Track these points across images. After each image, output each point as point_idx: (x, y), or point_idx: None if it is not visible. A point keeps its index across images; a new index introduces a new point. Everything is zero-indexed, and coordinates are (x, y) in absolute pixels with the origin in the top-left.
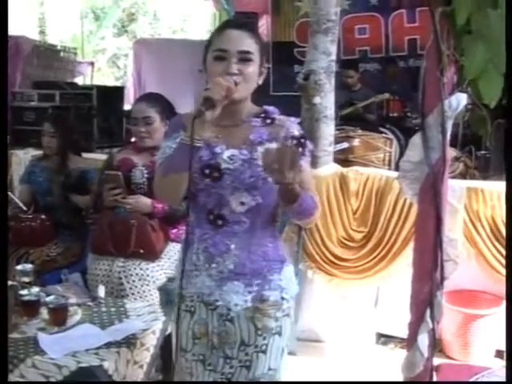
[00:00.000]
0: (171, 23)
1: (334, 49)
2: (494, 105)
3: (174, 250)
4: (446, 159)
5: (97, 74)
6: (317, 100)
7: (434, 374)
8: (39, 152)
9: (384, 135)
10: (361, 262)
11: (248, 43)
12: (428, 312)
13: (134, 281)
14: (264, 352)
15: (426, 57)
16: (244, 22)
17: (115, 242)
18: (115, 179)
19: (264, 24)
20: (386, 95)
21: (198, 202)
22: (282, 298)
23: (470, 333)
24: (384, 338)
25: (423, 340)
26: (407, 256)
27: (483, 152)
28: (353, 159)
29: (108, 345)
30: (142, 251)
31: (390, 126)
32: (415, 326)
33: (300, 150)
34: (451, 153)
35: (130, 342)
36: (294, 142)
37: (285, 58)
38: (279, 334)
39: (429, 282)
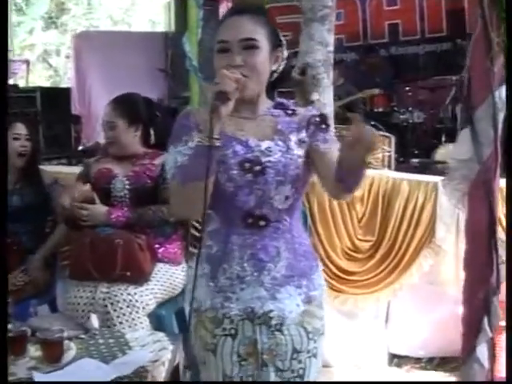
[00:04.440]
0: (111, 13)
1: (331, 39)
2: None
3: (162, 271)
4: (499, 154)
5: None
6: (315, 96)
7: None
8: None
9: (382, 133)
10: (369, 274)
11: (250, 29)
12: (485, 320)
13: (121, 308)
14: (315, 356)
15: (473, 45)
16: (250, 4)
17: (98, 264)
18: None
19: (225, 10)
20: (376, 90)
21: (234, 204)
22: (321, 296)
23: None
24: (397, 359)
25: (482, 351)
26: (420, 266)
27: None
28: None
29: (117, 380)
30: (128, 274)
31: (375, 122)
32: (471, 337)
33: (324, 126)
34: None
35: (140, 375)
36: (317, 119)
37: None
38: (323, 333)
39: (483, 288)
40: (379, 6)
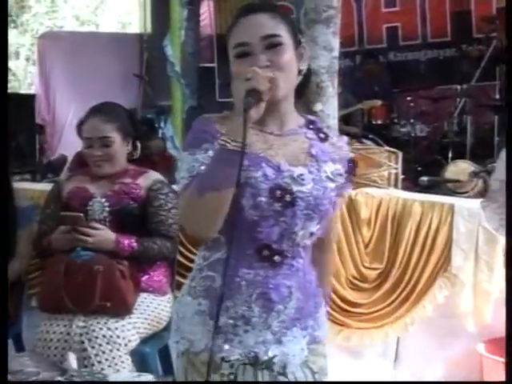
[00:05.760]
0: (76, 13)
1: (336, 43)
2: None
3: (146, 302)
4: None
5: None
6: (318, 107)
7: None
8: None
9: (387, 148)
10: (376, 306)
11: (271, 25)
12: None
13: (100, 344)
14: None
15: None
16: (264, 2)
17: (74, 294)
18: (75, 221)
19: (206, 12)
20: (378, 102)
21: (253, 235)
22: (324, 334)
23: None
24: None
25: None
26: (434, 298)
27: None
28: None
29: None
30: (109, 305)
31: (374, 135)
32: None
33: (352, 176)
34: (468, 167)
35: None
36: (350, 166)
37: None
38: (327, 373)
39: None
40: (377, 7)
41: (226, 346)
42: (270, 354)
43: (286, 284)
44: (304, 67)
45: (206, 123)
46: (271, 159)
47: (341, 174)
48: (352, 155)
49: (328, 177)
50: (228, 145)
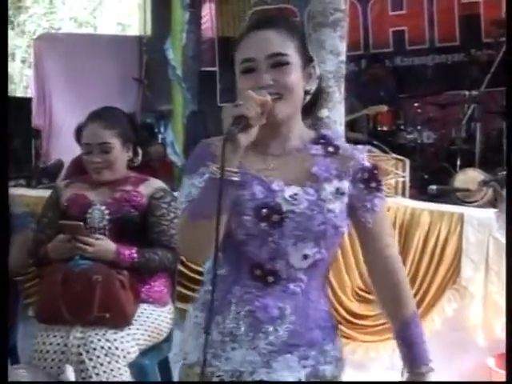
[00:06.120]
0: (75, 14)
1: (343, 47)
2: None
3: (146, 313)
4: None
5: None
6: (324, 113)
7: None
8: None
9: (394, 156)
10: (383, 319)
11: (279, 43)
12: None
13: (98, 356)
14: None
15: None
16: (274, 16)
17: (71, 304)
18: (74, 230)
19: (207, 14)
20: (384, 107)
21: (243, 253)
22: (338, 372)
23: None
24: None
25: None
26: (443, 310)
27: None
28: None
29: None
30: (107, 316)
31: (379, 142)
32: None
33: (374, 185)
34: (477, 175)
35: None
36: (366, 175)
37: None
38: None
39: None
40: (383, 10)
41: (214, 361)
42: (256, 377)
43: (278, 305)
44: (312, 87)
45: (204, 147)
46: (265, 179)
47: (343, 193)
48: (369, 164)
49: (327, 197)
50: (217, 174)
